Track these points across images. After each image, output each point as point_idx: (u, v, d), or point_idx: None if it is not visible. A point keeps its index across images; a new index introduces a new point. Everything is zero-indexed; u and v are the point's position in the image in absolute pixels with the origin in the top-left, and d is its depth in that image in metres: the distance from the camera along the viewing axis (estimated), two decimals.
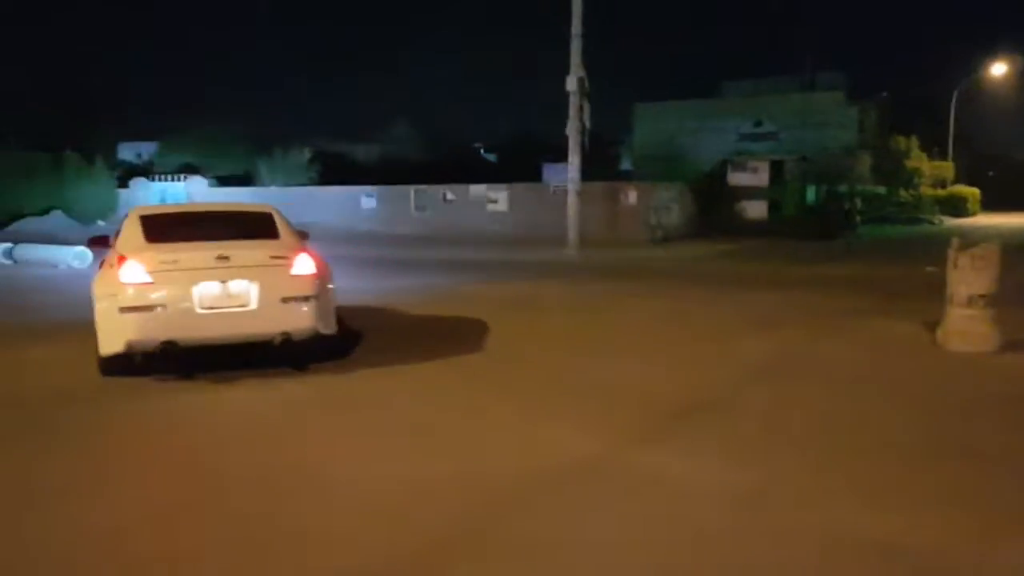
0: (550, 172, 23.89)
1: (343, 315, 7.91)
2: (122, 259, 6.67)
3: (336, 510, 3.99)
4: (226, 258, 6.72)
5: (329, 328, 7.16)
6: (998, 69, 43.77)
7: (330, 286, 7.25)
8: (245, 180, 33.98)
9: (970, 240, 7.71)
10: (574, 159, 20.12)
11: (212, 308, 6.60)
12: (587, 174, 21.08)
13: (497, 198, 24.10)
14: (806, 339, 8.37)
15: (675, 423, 5.45)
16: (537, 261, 18.01)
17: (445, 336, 8.92)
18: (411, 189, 26.31)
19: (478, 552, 3.50)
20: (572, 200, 20.15)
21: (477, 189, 24.84)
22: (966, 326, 7.43)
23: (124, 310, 6.47)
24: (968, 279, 7.40)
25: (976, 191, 46.36)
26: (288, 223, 7.69)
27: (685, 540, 3.57)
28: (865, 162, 39.26)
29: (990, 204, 47.67)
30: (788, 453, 4.74)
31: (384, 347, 8.14)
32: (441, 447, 5.00)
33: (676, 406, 5.88)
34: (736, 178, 25.78)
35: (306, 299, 6.85)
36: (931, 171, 42.75)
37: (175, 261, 6.68)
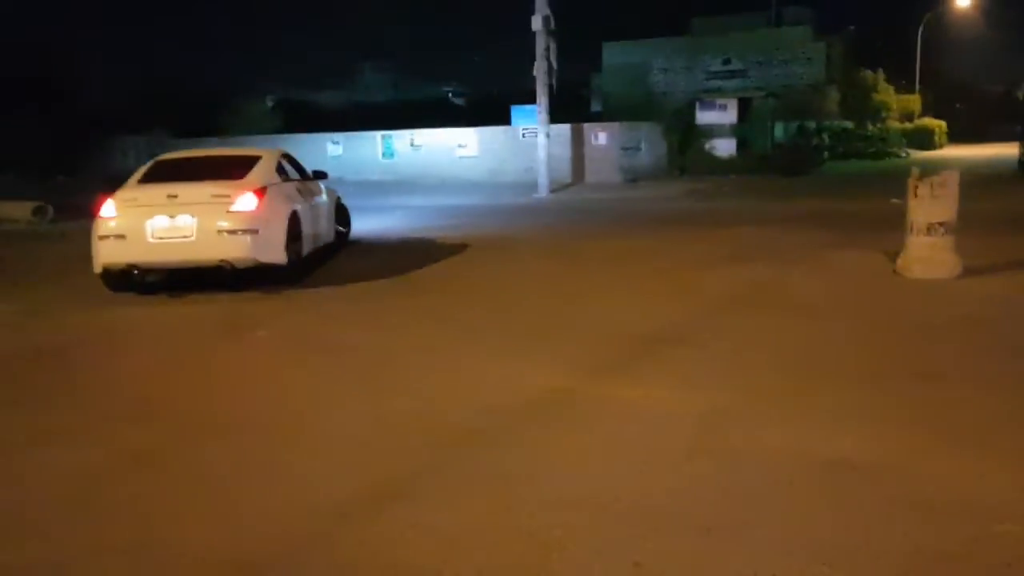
0: (519, 115, 23.69)
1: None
2: (104, 197, 8.16)
3: (298, 446, 4.07)
4: (175, 196, 7.99)
5: (271, 258, 8.14)
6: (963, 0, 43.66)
7: (279, 220, 8.25)
8: (209, 132, 33.37)
9: (931, 170, 7.83)
10: (542, 100, 19.97)
11: (162, 238, 7.91)
12: (557, 116, 20.96)
13: (466, 142, 23.92)
14: (774, 272, 8.50)
15: (642, 355, 5.55)
16: (507, 205, 18.00)
17: (411, 280, 8.96)
18: (378, 135, 26.04)
19: (441, 485, 3.58)
20: (541, 142, 20.06)
21: (445, 133, 24.64)
22: (926, 253, 7.58)
23: (99, 238, 8.02)
24: (927, 208, 7.53)
25: (943, 123, 46.64)
26: (274, 166, 8.95)
27: (644, 465, 3.67)
28: (833, 97, 39.27)
29: (957, 136, 48.04)
30: (753, 379, 4.86)
31: (348, 291, 8.18)
32: (402, 383, 5.07)
33: (644, 339, 5.98)
34: (705, 116, 25.76)
35: (243, 232, 7.90)
36: (898, 104, 42.91)
37: (135, 199, 8.17)
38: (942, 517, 3.07)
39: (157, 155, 9.76)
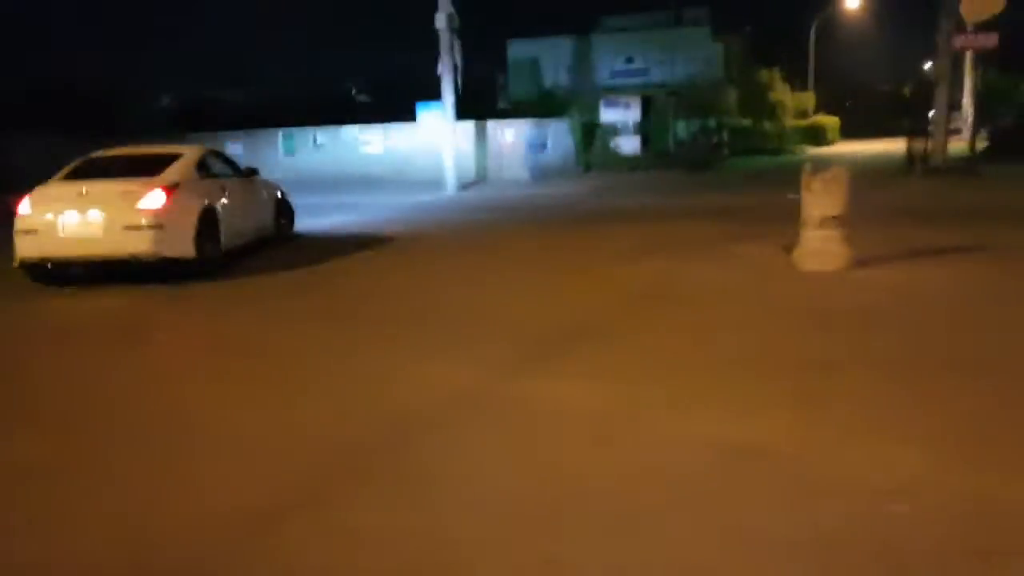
0: (425, 112, 23.51)
1: None
2: (24, 195, 8.60)
3: (204, 452, 3.93)
4: (87, 193, 8.41)
5: (179, 252, 8.45)
6: (852, 1, 45.45)
7: (188, 217, 8.54)
8: (102, 131, 31.95)
9: (823, 166, 8.10)
10: (448, 98, 19.89)
11: (72, 234, 8.30)
12: (463, 113, 20.86)
13: (370, 139, 23.61)
14: (676, 266, 8.66)
15: (554, 351, 5.58)
16: (412, 202, 17.85)
17: (313, 280, 8.84)
18: (279, 132, 25.43)
19: (352, 488, 3.52)
20: (447, 140, 19.96)
21: (349, 131, 24.24)
22: (819, 246, 7.84)
23: (16, 233, 8.47)
24: (820, 202, 7.79)
25: (836, 120, 48.58)
26: (194, 164, 9.25)
27: (558, 459, 3.69)
28: (731, 95, 40.37)
29: (850, 132, 50.08)
30: (660, 371, 4.95)
31: (256, 291, 7.96)
32: (312, 385, 4.98)
33: (555, 335, 6.02)
34: (609, 114, 26.08)
35: (148, 227, 8.23)
36: (793, 102, 44.45)
37: (49, 196, 8.58)
38: (839, 498, 3.16)
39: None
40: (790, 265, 8.05)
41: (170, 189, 8.48)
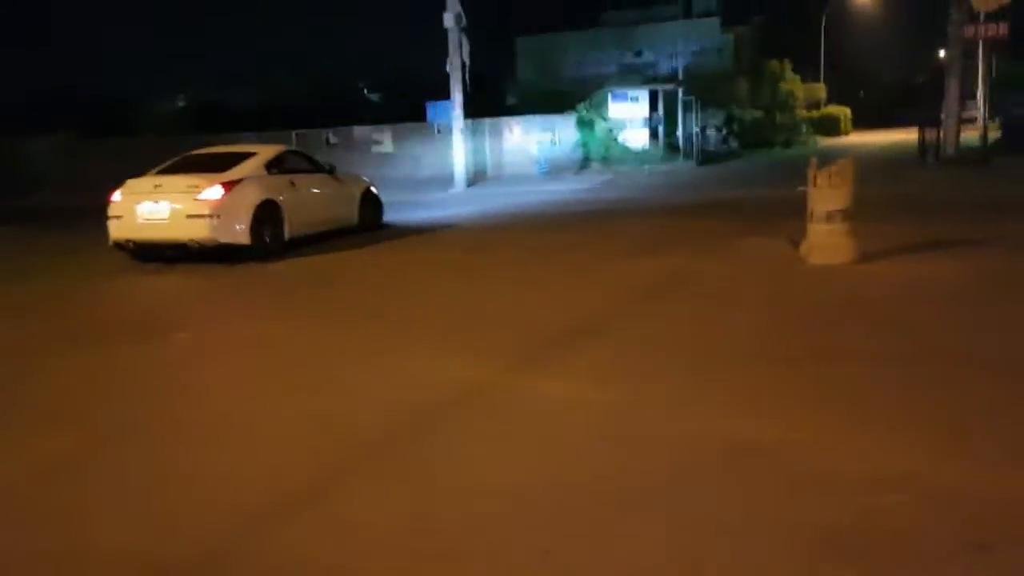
0: (434, 111, 23.61)
1: None
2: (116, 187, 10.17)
3: (220, 445, 4.00)
4: (160, 186, 9.85)
5: (234, 239, 9.67)
6: None
7: (245, 208, 9.70)
8: (121, 131, 32.21)
9: (831, 158, 8.12)
10: (456, 96, 19.98)
11: (147, 220, 9.70)
12: (472, 110, 20.93)
13: (382, 139, 23.71)
14: (686, 261, 8.71)
15: (560, 347, 5.63)
16: (424, 201, 17.93)
17: (328, 275, 9.00)
18: (292, 134, 25.55)
19: (360, 480, 3.58)
20: (457, 138, 20.07)
21: (361, 131, 24.34)
22: (826, 240, 7.86)
23: (108, 218, 10.00)
24: (826, 196, 7.81)
25: (848, 111, 48.29)
26: (264, 162, 10.47)
27: (559, 453, 3.74)
28: (742, 87, 40.21)
29: (862, 122, 49.79)
30: (665, 367, 5.00)
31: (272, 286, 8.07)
32: (324, 379, 5.07)
33: (562, 331, 6.07)
34: (618, 108, 26.02)
35: (206, 216, 9.46)
36: (805, 93, 44.21)
37: (133, 187, 10.02)
38: (840, 491, 3.21)
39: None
40: (797, 259, 8.08)
41: (229, 184, 9.71)
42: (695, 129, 27.32)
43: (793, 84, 43.33)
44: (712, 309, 6.54)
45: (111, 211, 9.98)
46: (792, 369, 4.83)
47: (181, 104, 34.02)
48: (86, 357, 5.99)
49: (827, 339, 5.48)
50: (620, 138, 26.12)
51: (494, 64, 45.42)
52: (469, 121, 20.64)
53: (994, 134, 25.01)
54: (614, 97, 27.04)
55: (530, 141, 23.81)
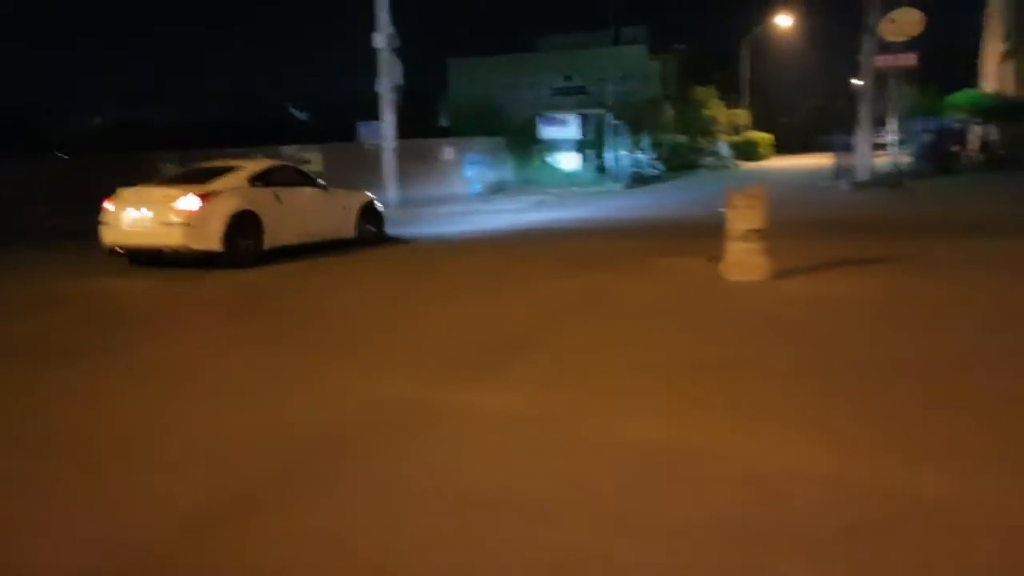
0: (365, 130, 23.55)
1: None
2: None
3: (152, 462, 3.98)
4: (145, 196, 10.69)
5: (207, 246, 10.29)
6: (783, 21, 46.68)
7: (218, 218, 10.33)
8: (28, 149, 31.22)
9: (749, 181, 8.46)
10: (387, 117, 20.02)
11: (131, 227, 10.55)
12: (405, 131, 20.98)
13: (310, 158, 23.54)
14: (612, 278, 8.94)
15: (490, 361, 5.74)
16: None
17: (249, 296, 8.90)
18: (215, 153, 25.13)
19: (292, 492, 3.62)
20: (387, 158, 20.09)
21: (289, 150, 24.13)
22: (742, 258, 8.18)
23: (100, 224, 10.82)
24: (742, 217, 8.14)
25: (768, 136, 49.91)
26: (247, 176, 11.14)
27: (488, 461, 3.86)
28: (668, 112, 41.23)
29: (784, 147, 51.44)
30: (592, 377, 5.18)
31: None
32: (254, 399, 5.06)
33: (492, 346, 6.20)
34: (548, 131, 26.46)
35: (179, 225, 10.17)
36: (727, 119, 45.58)
37: (122, 197, 10.81)
38: (748, 488, 3.41)
39: None
40: (716, 276, 8.37)
41: (205, 196, 10.37)
42: (623, 153, 27.90)
43: (717, 110, 44.67)
44: (634, 323, 6.77)
45: (102, 217, 10.81)
46: (705, 377, 5.06)
47: (98, 122, 33.18)
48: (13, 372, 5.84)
49: (738, 349, 5.74)
50: (551, 160, 26.55)
51: (428, 85, 45.62)
52: (401, 141, 20.68)
53: (906, 159, 26.22)
54: (544, 121, 27.52)
55: (462, 162, 23.98)
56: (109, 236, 10.79)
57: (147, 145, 28.85)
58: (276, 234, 11.12)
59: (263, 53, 77.32)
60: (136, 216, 10.50)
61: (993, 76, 40.21)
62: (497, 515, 3.30)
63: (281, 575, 2.93)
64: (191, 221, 10.18)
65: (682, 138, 38.92)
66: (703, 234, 11.23)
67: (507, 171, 25.52)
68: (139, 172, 25.76)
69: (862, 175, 21.28)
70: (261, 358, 6.14)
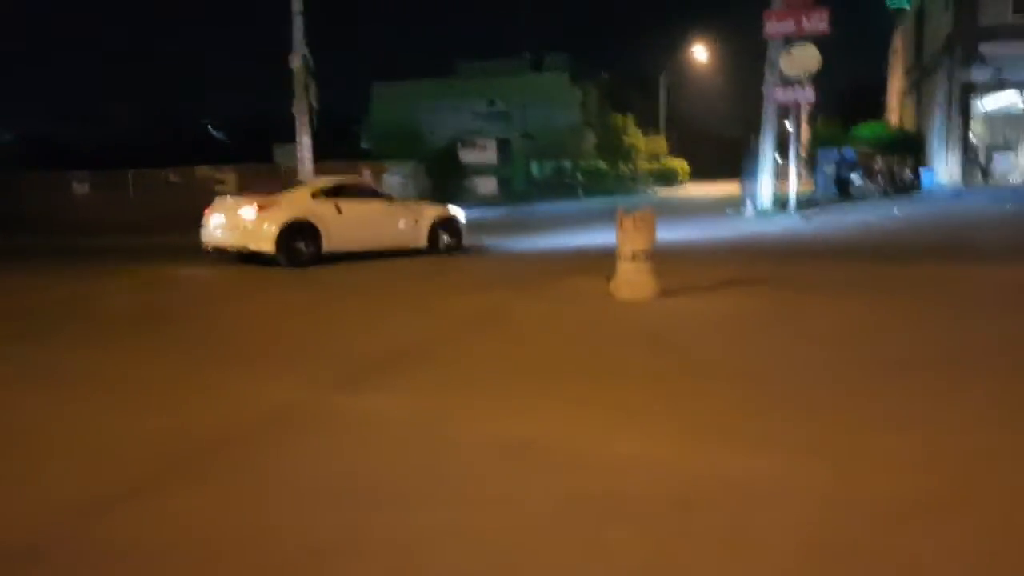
0: (281, 152, 23.61)
1: None
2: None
3: (50, 460, 4.18)
4: (225, 205, 12.92)
5: (262, 248, 12.23)
6: (700, 52, 48.32)
7: (273, 224, 12.15)
8: None
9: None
10: (303, 139, 20.09)
11: (215, 231, 12.77)
12: (324, 153, 21.06)
13: (225, 178, 23.46)
14: (507, 296, 9.33)
15: (380, 370, 6.08)
16: None
17: (165, 313, 9.02)
18: (129, 173, 24.84)
19: (184, 483, 3.87)
20: (303, 179, 20.09)
21: (203, 170, 23.99)
22: (631, 277, 8.64)
23: (200, 227, 13.03)
24: (631, 238, 8.61)
25: (685, 164, 51.40)
26: (310, 191, 13.04)
27: (364, 457, 4.18)
28: (589, 138, 42.18)
29: (700, 174, 52.93)
30: (477, 384, 5.55)
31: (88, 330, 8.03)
32: (154, 403, 5.24)
33: (384, 356, 6.53)
34: (467, 155, 26.90)
35: (241, 229, 12.31)
36: (646, 146, 46.80)
37: (215, 204, 13.13)
38: (594, 472, 3.85)
39: None
40: (607, 294, 8.79)
41: (262, 206, 12.28)
42: (540, 177, 28.50)
43: (635, 137, 45.84)
44: (524, 335, 7.24)
45: (202, 222, 12.95)
46: (577, 381, 5.51)
47: (7, 139, 32.24)
48: None
49: (613, 358, 6.23)
50: (470, 184, 26.96)
51: (350, 108, 45.64)
52: (318, 163, 20.75)
53: (810, 188, 27.44)
54: (463, 145, 27.96)
55: (382, 186, 24.13)
56: (203, 237, 12.93)
57: (57, 164, 28.28)
58: (334, 241, 12.72)
59: (184, 73, 76.23)
60: (218, 221, 12.64)
61: (896, 110, 42.39)
62: (365, 500, 3.64)
63: (161, 552, 3.20)
64: (249, 226, 12.18)
65: (602, 164, 39.84)
66: (606, 256, 11.69)
67: (425, 194, 25.77)
68: (48, 189, 25.23)
69: (766, 202, 22.22)
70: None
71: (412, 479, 3.86)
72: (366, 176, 23.85)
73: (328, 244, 12.65)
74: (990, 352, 6.12)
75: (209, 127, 43.16)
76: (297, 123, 20.14)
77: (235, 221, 12.36)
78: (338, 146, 29.71)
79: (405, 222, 13.70)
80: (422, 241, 13.75)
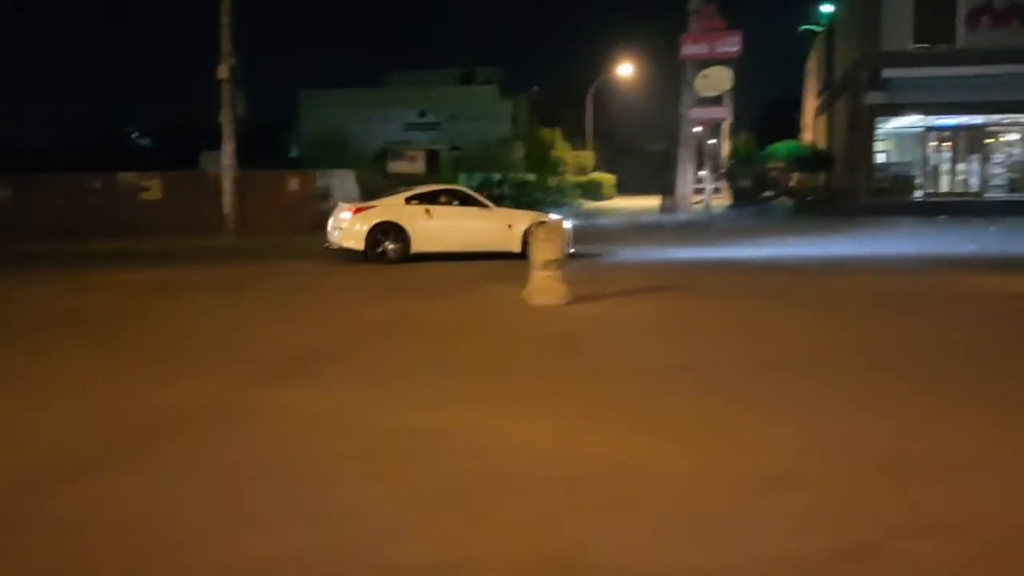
0: (207, 159, 23.53)
1: None
2: None
3: None
4: (337, 209, 14.71)
5: (352, 246, 13.94)
6: (626, 70, 49.52)
7: (363, 226, 13.83)
8: None
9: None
10: (228, 146, 20.20)
11: (329, 232, 14.54)
12: (250, 161, 21.16)
13: (150, 185, 23.25)
14: (425, 302, 9.75)
15: (294, 370, 6.40)
16: (192, 248, 17.95)
17: (80, 316, 9.15)
18: (51, 178, 24.36)
19: (109, 471, 4.16)
20: (228, 188, 20.24)
21: (127, 176, 23.73)
22: (543, 284, 9.15)
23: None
24: (543, 248, 9.12)
25: (611, 177, 52.47)
26: (404, 197, 14.42)
27: (277, 447, 4.54)
28: (518, 151, 42.84)
29: (627, 188, 54.11)
30: (388, 380, 5.95)
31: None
32: (78, 398, 5.46)
33: (298, 357, 6.85)
34: (396, 166, 27.24)
35: (340, 230, 14.03)
36: (573, 160, 47.72)
37: (334, 210, 14.97)
38: (488, 454, 4.29)
39: None
40: (521, 301, 9.28)
41: (356, 210, 14.11)
42: (471, 188, 28.89)
43: (563, 151, 46.73)
44: (440, 339, 7.65)
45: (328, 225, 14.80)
46: (483, 378, 5.99)
47: None
48: None
49: (520, 357, 6.73)
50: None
51: (279, 117, 45.49)
52: (246, 172, 20.84)
53: (726, 202, 28.58)
54: (393, 156, 28.26)
55: (309, 194, 24.21)
56: (327, 238, 14.59)
57: None
58: (422, 242, 13.99)
59: (110, 79, 74.49)
60: (331, 225, 14.40)
61: (811, 128, 44.24)
62: (276, 479, 4.02)
63: (81, 527, 3.51)
64: (345, 227, 13.88)
65: (531, 176, 40.49)
66: (519, 264, 12.24)
67: (355, 202, 25.94)
68: None
69: (683, 215, 23.16)
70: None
71: (321, 463, 4.25)
72: (294, 184, 23.95)
73: (416, 245, 13.97)
74: (854, 352, 6.82)
75: (134, 134, 42.45)
76: (224, 130, 20.24)
77: (338, 223, 14.02)
78: (266, 154, 29.68)
79: (497, 228, 14.51)
80: (515, 246, 14.28)
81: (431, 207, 14.30)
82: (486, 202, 14.94)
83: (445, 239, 14.36)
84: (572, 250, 13.76)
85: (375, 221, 13.92)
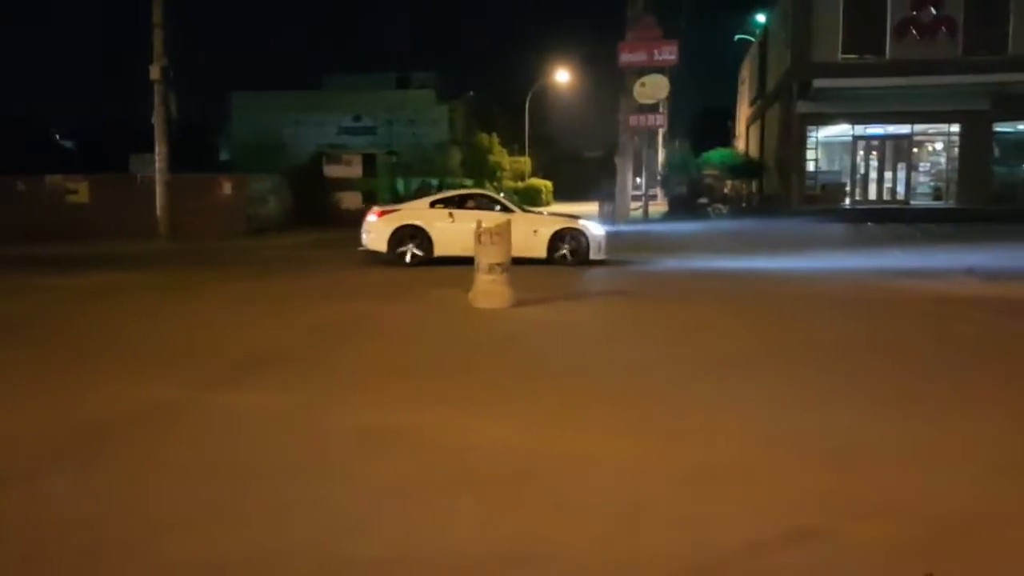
0: (137, 162, 22.93)
1: None
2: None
3: None
4: (369, 212, 15.01)
5: (376, 247, 14.20)
6: (562, 76, 49.95)
7: (386, 228, 14.08)
8: None
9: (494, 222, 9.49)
10: (161, 149, 19.77)
11: (363, 234, 14.51)
12: (181, 164, 20.70)
13: (77, 188, 22.55)
14: (375, 305, 9.73)
15: (246, 371, 6.38)
16: (123, 253, 17.47)
17: (14, 321, 8.93)
18: None
19: (62, 470, 4.10)
20: (160, 191, 19.80)
21: (53, 179, 22.98)
22: (488, 288, 9.19)
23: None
24: (488, 252, 9.17)
25: (549, 183, 52.82)
26: (428, 202, 14.64)
27: (232, 444, 4.53)
28: (456, 156, 42.80)
29: (564, 195, 54.52)
30: (337, 380, 5.98)
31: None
32: (31, 400, 5.41)
33: (249, 359, 6.81)
34: (331, 170, 26.88)
35: (365, 232, 14.39)
36: (511, 166, 47.91)
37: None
38: (440, 452, 4.34)
39: None
40: (467, 304, 9.30)
41: (381, 213, 14.43)
42: (405, 193, 28.77)
43: (501, 157, 46.86)
44: (387, 340, 7.69)
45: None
46: (431, 378, 6.03)
47: None
48: None
49: (465, 358, 6.79)
50: (334, 199, 26.91)
51: (210, 119, 44.63)
52: (176, 175, 20.38)
53: (662, 208, 29.08)
54: (328, 160, 27.92)
55: (241, 198, 23.81)
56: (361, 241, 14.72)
57: None
58: (444, 246, 13.91)
59: (33, 77, 72.04)
60: (364, 227, 14.53)
61: (744, 136, 45.33)
62: (228, 476, 4.02)
63: (29, 522, 3.50)
64: (370, 229, 14.26)
65: (468, 182, 40.51)
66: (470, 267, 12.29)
67: (287, 207, 25.61)
68: None
69: (618, 221, 23.45)
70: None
71: (274, 460, 4.25)
72: (227, 188, 23.53)
73: (439, 248, 14.01)
74: (804, 350, 7.05)
75: (59, 136, 41.10)
76: (155, 133, 19.80)
77: (366, 227, 14.36)
78: (197, 157, 29.08)
79: (521, 232, 13.70)
80: (540, 251, 14.15)
81: (455, 211, 14.27)
82: (513, 207, 14.80)
83: (467, 243, 13.97)
84: (604, 256, 14.35)
85: (397, 224, 14.16)
